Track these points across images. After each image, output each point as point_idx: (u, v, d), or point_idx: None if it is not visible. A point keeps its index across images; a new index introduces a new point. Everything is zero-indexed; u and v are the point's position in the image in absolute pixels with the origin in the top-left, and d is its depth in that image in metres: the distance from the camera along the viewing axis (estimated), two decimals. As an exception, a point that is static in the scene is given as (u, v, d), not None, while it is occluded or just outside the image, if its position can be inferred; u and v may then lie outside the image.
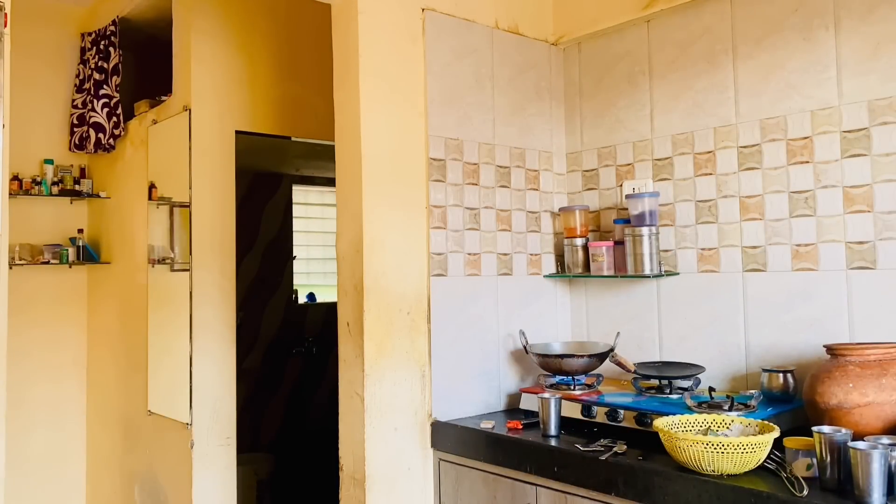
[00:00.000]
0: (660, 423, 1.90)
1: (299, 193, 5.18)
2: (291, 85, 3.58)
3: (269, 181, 4.90)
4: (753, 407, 2.06)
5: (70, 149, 4.09)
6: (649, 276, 2.51)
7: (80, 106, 4.04)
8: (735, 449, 1.71)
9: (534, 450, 2.14)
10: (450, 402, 2.50)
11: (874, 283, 2.11)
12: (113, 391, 3.92)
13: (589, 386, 2.48)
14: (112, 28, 3.78)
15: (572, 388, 2.46)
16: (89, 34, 4.02)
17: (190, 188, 3.26)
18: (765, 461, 1.77)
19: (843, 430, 1.67)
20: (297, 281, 5.07)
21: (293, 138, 3.67)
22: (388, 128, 2.42)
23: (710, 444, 1.72)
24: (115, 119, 3.80)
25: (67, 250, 3.97)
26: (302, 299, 5.10)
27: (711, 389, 2.20)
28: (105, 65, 3.82)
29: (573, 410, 2.30)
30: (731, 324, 2.41)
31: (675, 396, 2.25)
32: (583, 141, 2.87)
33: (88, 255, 4.05)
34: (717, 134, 2.46)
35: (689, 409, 2.06)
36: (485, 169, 2.67)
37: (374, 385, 2.33)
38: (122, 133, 3.83)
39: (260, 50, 3.51)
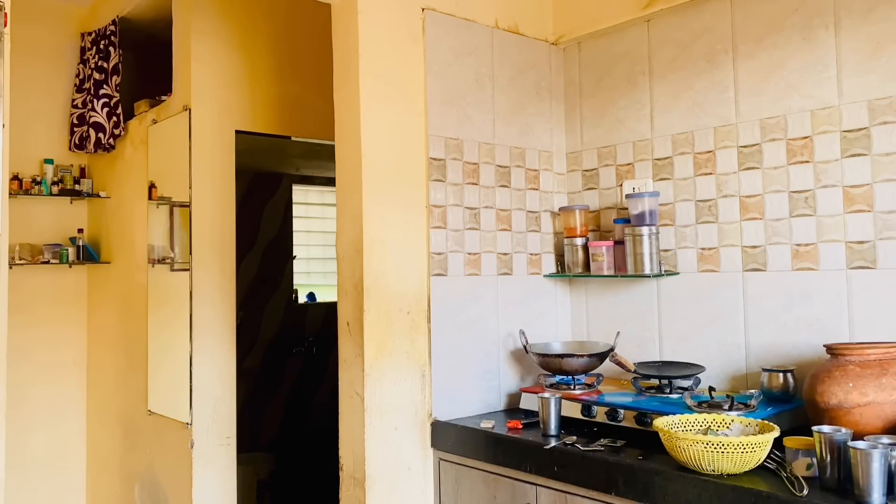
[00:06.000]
0: (660, 422, 1.90)
1: (299, 193, 5.18)
2: (291, 85, 3.58)
3: (269, 181, 4.90)
4: (753, 406, 2.06)
5: (70, 148, 4.09)
6: (649, 276, 2.51)
7: (80, 106, 4.03)
8: (735, 448, 1.71)
9: (534, 450, 2.13)
10: (450, 402, 2.50)
11: (874, 282, 2.11)
12: (113, 391, 3.92)
13: (589, 385, 2.48)
14: (112, 28, 3.78)
15: (572, 387, 2.46)
16: (89, 34, 4.02)
17: (190, 188, 3.26)
18: (765, 461, 1.77)
19: (843, 430, 1.67)
20: (297, 281, 5.07)
21: (293, 138, 3.67)
22: (388, 127, 2.42)
23: (710, 444, 1.72)
24: (115, 119, 3.80)
25: (67, 250, 3.97)
26: (302, 299, 5.10)
27: (711, 389, 2.20)
28: (105, 64, 3.82)
29: (573, 410, 2.30)
30: (731, 323, 2.41)
31: (675, 396, 2.25)
32: (583, 140, 2.87)
33: (88, 254, 4.04)
34: (717, 133, 2.46)
35: (689, 409, 2.06)
36: (485, 169, 2.67)
37: (374, 385, 2.33)
38: (122, 133, 3.83)
39: (260, 50, 3.51)
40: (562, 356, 2.49)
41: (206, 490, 3.21)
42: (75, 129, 4.05)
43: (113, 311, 3.95)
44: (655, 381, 2.36)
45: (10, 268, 3.44)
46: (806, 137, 2.25)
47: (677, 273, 2.55)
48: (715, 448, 1.72)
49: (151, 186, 3.59)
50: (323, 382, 4.79)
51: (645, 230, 2.50)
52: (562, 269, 2.87)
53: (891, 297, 2.08)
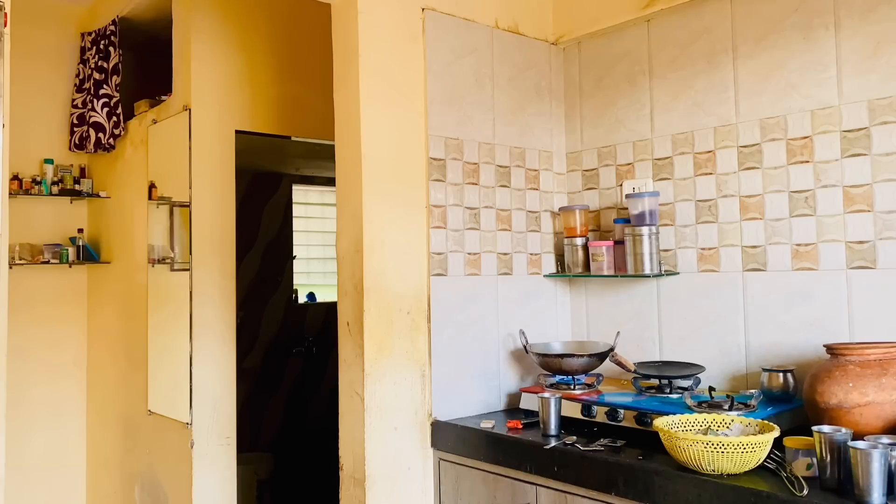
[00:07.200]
0: (660, 422, 1.90)
1: (299, 193, 5.18)
2: (291, 85, 3.58)
3: (269, 181, 4.90)
4: (753, 406, 2.06)
5: (70, 148, 4.09)
6: (649, 276, 2.51)
7: (80, 105, 4.03)
8: (735, 448, 1.71)
9: (534, 449, 2.13)
10: (450, 402, 2.50)
11: (874, 282, 2.11)
12: (113, 391, 3.92)
13: (589, 385, 2.48)
14: (112, 28, 3.78)
15: (572, 387, 2.46)
16: (89, 34, 4.02)
17: (190, 188, 3.26)
18: (765, 461, 1.77)
19: (843, 430, 1.67)
20: (297, 281, 5.07)
21: (293, 138, 3.67)
22: (388, 127, 2.42)
23: (710, 444, 1.72)
24: (115, 119, 3.80)
25: (67, 250, 3.97)
26: (302, 299, 5.10)
27: (711, 389, 2.20)
28: (105, 64, 3.82)
29: (573, 410, 2.30)
30: (731, 323, 2.41)
31: (675, 396, 2.25)
32: (583, 140, 2.87)
33: (88, 254, 4.05)
34: (717, 133, 2.46)
35: (689, 409, 2.06)
36: (485, 168, 2.67)
37: (374, 385, 2.33)
38: (122, 133, 3.83)
39: (260, 50, 3.51)
40: (562, 356, 2.49)
41: (206, 490, 3.21)
42: (75, 129, 4.05)
43: (113, 311, 3.95)
44: (655, 381, 2.36)
45: (10, 268, 3.45)
46: (806, 137, 2.25)
47: (677, 273, 2.55)
48: (715, 448, 1.72)
49: (151, 186, 3.59)
50: (323, 382, 4.79)
51: (645, 230, 2.50)
52: (562, 269, 2.87)
53: (891, 297, 2.08)
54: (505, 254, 2.71)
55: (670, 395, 2.26)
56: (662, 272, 2.54)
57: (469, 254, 2.60)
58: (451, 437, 2.40)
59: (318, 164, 4.83)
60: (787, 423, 2.04)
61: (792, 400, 2.15)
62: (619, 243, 2.60)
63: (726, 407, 2.06)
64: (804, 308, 2.24)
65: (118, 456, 3.85)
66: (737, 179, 2.41)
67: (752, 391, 2.14)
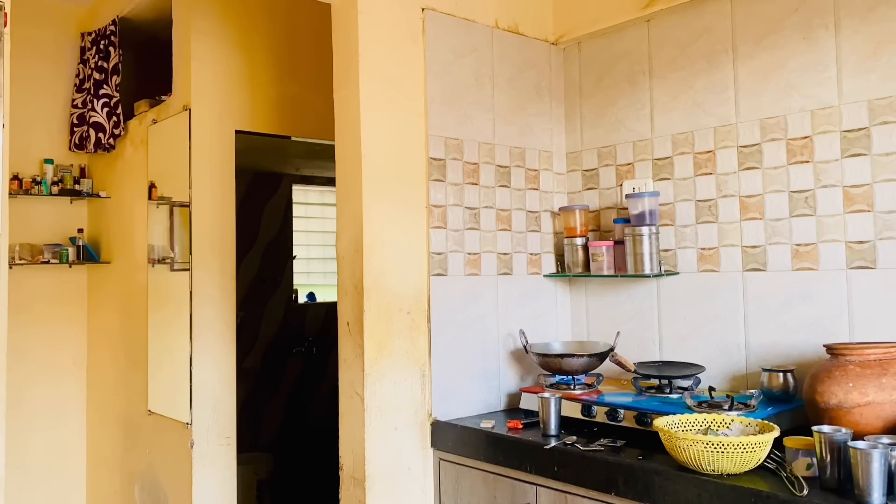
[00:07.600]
0: (660, 422, 1.90)
1: (299, 193, 5.18)
2: (291, 85, 3.58)
3: (269, 181, 4.90)
4: (753, 406, 2.06)
5: (70, 148, 4.09)
6: (649, 276, 2.51)
7: (80, 105, 4.04)
8: (735, 448, 1.71)
9: (534, 449, 2.13)
10: (450, 402, 2.50)
11: (874, 282, 2.11)
12: (113, 391, 3.92)
13: (589, 385, 2.48)
14: (112, 28, 3.78)
15: (572, 387, 2.46)
16: (89, 34, 4.02)
17: (190, 188, 3.26)
18: (765, 461, 1.77)
19: (843, 430, 1.67)
20: (297, 281, 5.07)
21: (293, 138, 3.67)
22: (388, 127, 2.42)
23: (710, 444, 1.72)
24: (115, 119, 3.80)
25: (67, 250, 3.97)
26: (302, 299, 5.10)
27: (711, 389, 2.20)
28: (105, 64, 3.82)
29: (573, 410, 2.30)
30: (731, 323, 2.41)
31: (675, 396, 2.25)
32: (583, 140, 2.87)
33: (88, 254, 4.05)
34: (717, 133, 2.46)
35: (689, 409, 2.06)
36: (485, 168, 2.67)
37: (374, 385, 2.33)
38: (122, 133, 3.83)
39: (260, 50, 3.51)
40: (562, 356, 2.49)
41: (206, 490, 3.21)
42: (75, 129, 4.05)
43: (113, 311, 3.95)
44: (655, 381, 2.36)
45: (10, 268, 3.45)
46: (806, 137, 2.25)
47: (677, 273, 2.55)
48: (715, 448, 1.72)
49: (151, 186, 3.60)
50: (323, 382, 4.79)
51: (645, 230, 2.50)
52: (562, 269, 2.87)
53: (891, 297, 2.08)
54: (505, 254, 2.71)
55: (670, 395, 2.26)
56: (662, 272, 2.54)
57: (469, 254, 2.60)
58: (451, 437, 2.40)
59: (318, 164, 4.83)
60: (787, 423, 2.04)
61: (792, 400, 2.15)
62: (619, 243, 2.60)
63: (726, 407, 2.06)
64: (804, 308, 2.24)
65: (118, 456, 3.85)
66: (737, 179, 2.41)
67: (752, 391, 2.14)
